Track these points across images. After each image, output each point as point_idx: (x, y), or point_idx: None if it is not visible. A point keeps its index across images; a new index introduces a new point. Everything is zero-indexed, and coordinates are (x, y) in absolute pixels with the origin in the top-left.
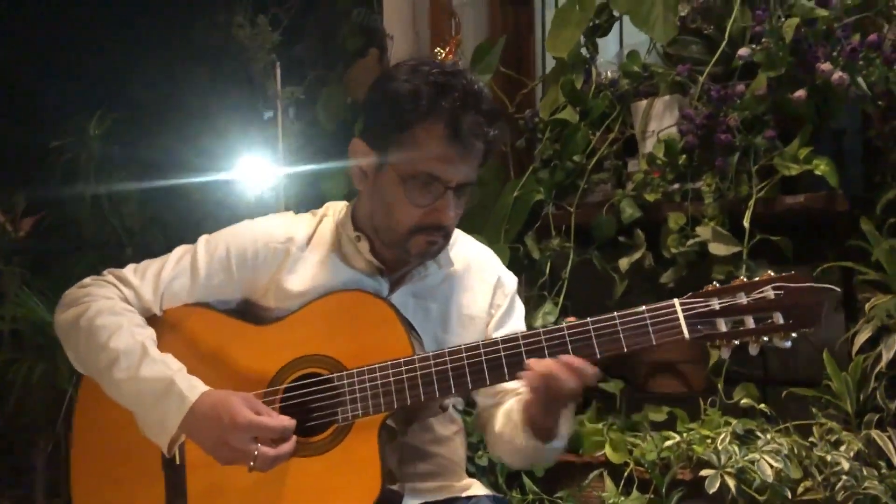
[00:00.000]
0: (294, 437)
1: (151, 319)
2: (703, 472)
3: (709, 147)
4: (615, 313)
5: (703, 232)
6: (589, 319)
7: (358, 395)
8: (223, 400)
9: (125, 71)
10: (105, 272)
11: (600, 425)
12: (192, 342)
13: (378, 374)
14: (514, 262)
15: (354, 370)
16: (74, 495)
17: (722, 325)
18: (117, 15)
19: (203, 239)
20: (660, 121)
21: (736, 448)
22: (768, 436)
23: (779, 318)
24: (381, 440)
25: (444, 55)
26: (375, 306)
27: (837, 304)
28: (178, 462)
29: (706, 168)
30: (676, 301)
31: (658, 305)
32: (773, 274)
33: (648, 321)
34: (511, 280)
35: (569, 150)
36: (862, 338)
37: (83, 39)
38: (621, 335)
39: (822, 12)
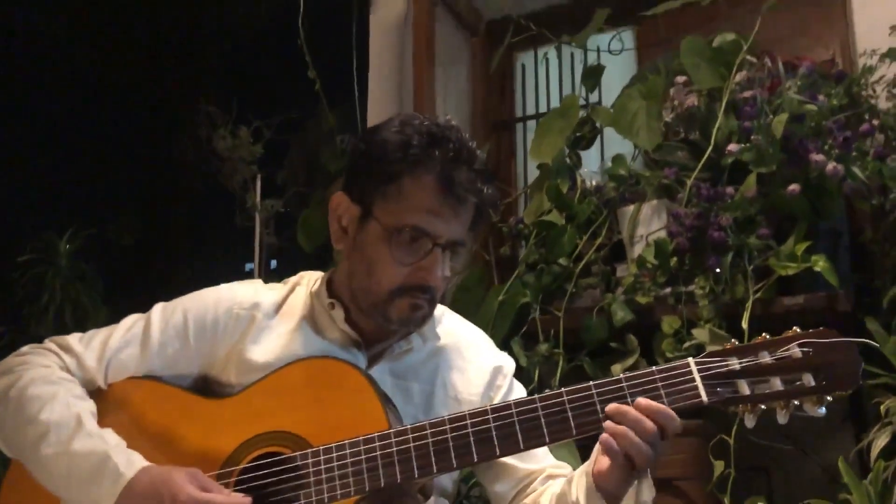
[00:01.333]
0: None
1: (94, 393)
2: None
3: (700, 249)
4: (622, 375)
5: (700, 334)
6: (592, 383)
7: (324, 476)
8: (164, 476)
9: (101, 188)
10: (47, 340)
11: None
12: (137, 418)
13: (348, 451)
14: None
15: (321, 448)
16: None
17: (745, 388)
18: (96, 128)
19: (159, 306)
20: (648, 225)
21: None
22: None
23: (809, 380)
24: None
25: None
26: (346, 375)
27: (845, 415)
28: None
29: (698, 271)
30: (691, 360)
31: (670, 366)
32: (798, 330)
33: (660, 383)
34: (510, 362)
35: (555, 253)
36: (880, 444)
37: (58, 154)
38: (629, 399)
39: (812, 107)
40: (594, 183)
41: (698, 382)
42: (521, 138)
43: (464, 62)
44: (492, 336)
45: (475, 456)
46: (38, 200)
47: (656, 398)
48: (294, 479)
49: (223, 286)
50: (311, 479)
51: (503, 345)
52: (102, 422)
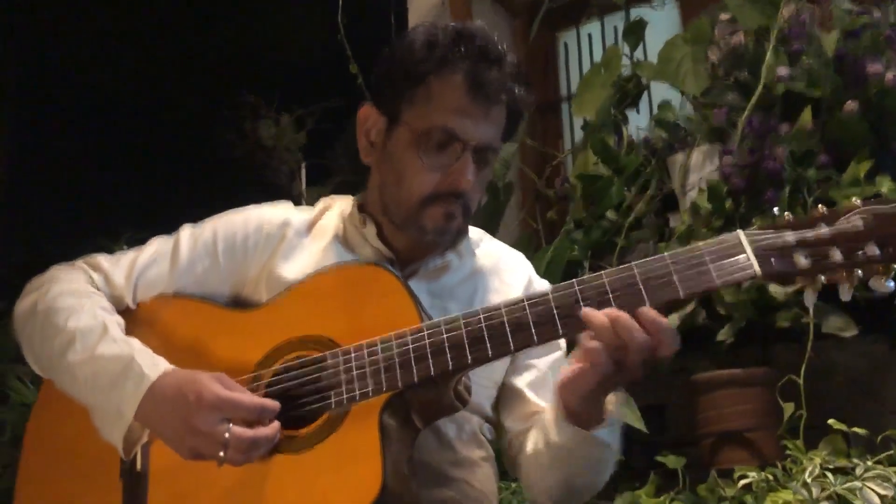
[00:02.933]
0: (277, 423)
1: (123, 313)
2: None
3: (756, 189)
4: (667, 254)
5: None
6: (633, 263)
7: (355, 373)
8: (189, 377)
9: (152, 190)
10: (76, 260)
11: (662, 499)
12: (166, 333)
13: (379, 347)
14: None
15: (351, 346)
16: None
17: (802, 260)
18: (145, 132)
19: (188, 226)
20: (699, 172)
21: (830, 477)
22: (868, 463)
23: (873, 250)
24: (383, 428)
25: None
26: (378, 276)
27: None
28: (138, 468)
29: (755, 212)
30: (740, 232)
31: (717, 240)
32: (859, 202)
33: (707, 258)
34: (545, 284)
35: (602, 206)
36: None
37: (106, 159)
38: (675, 277)
39: (865, 18)
40: (641, 134)
41: (750, 255)
42: (567, 119)
43: (507, 46)
44: None
45: (511, 344)
46: (91, 205)
47: (704, 274)
48: (324, 378)
49: (252, 207)
50: (342, 377)
51: None
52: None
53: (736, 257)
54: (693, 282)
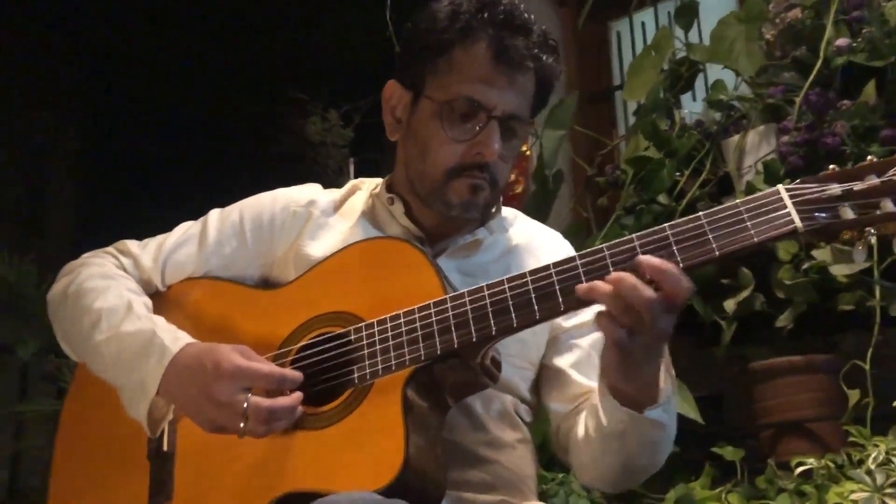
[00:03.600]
0: (298, 394)
1: (153, 296)
2: (855, 497)
3: (815, 168)
4: (701, 213)
5: (822, 255)
6: (666, 225)
7: (378, 347)
8: (209, 347)
9: (206, 190)
10: (109, 247)
11: (717, 491)
12: (195, 314)
13: (402, 320)
14: None
15: (374, 320)
16: (50, 498)
17: (849, 212)
18: (189, 135)
19: (215, 210)
20: (755, 153)
21: None
22: None
23: None
24: (406, 403)
25: None
26: (401, 250)
27: None
28: (165, 448)
29: None
30: (780, 187)
31: (755, 195)
32: None
33: (745, 214)
34: None
35: (653, 190)
36: None
37: (164, 161)
38: (710, 235)
39: None
40: (695, 120)
41: (791, 208)
42: (620, 108)
43: (555, 36)
44: None
45: (537, 312)
46: (151, 205)
47: (742, 231)
48: (347, 353)
49: (280, 189)
50: (366, 351)
51: None
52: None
53: (776, 212)
54: (729, 239)
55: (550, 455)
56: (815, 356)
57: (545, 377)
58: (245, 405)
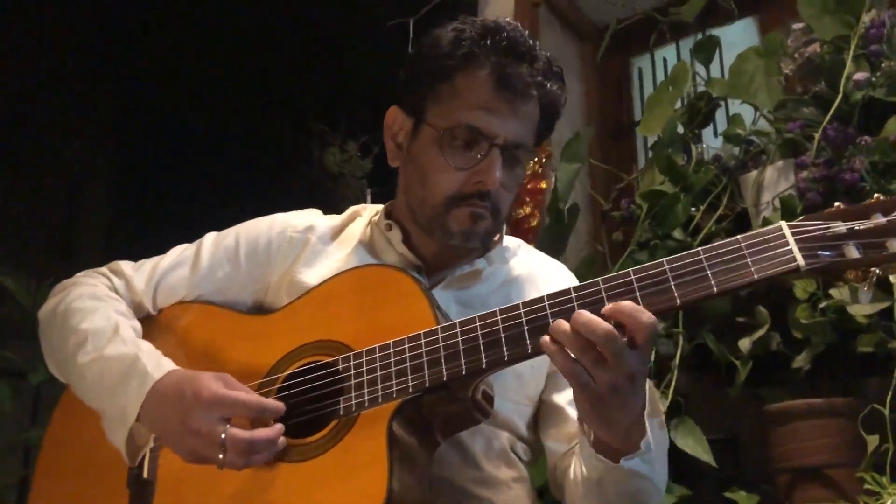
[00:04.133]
0: (279, 426)
1: (144, 319)
2: None
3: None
4: (700, 249)
5: (839, 293)
6: (664, 259)
7: (366, 378)
8: (191, 375)
9: (229, 217)
10: (102, 267)
11: None
12: (184, 339)
13: (392, 350)
14: None
15: (363, 350)
16: None
17: (853, 251)
18: (216, 164)
19: (212, 233)
20: (774, 189)
21: None
22: None
23: None
24: (391, 436)
25: (531, 165)
26: (394, 279)
27: None
28: (145, 476)
29: None
30: (783, 223)
31: (757, 231)
32: None
33: (745, 250)
34: None
35: (668, 225)
36: None
37: (186, 188)
38: (708, 271)
39: None
40: (712, 154)
41: (793, 246)
42: (641, 144)
43: (574, 69)
44: None
45: (529, 346)
46: (176, 231)
47: (742, 267)
48: (334, 383)
49: (278, 213)
50: (353, 381)
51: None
52: (153, 345)
53: (778, 249)
54: (728, 275)
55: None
56: (834, 399)
57: (543, 413)
58: (223, 436)
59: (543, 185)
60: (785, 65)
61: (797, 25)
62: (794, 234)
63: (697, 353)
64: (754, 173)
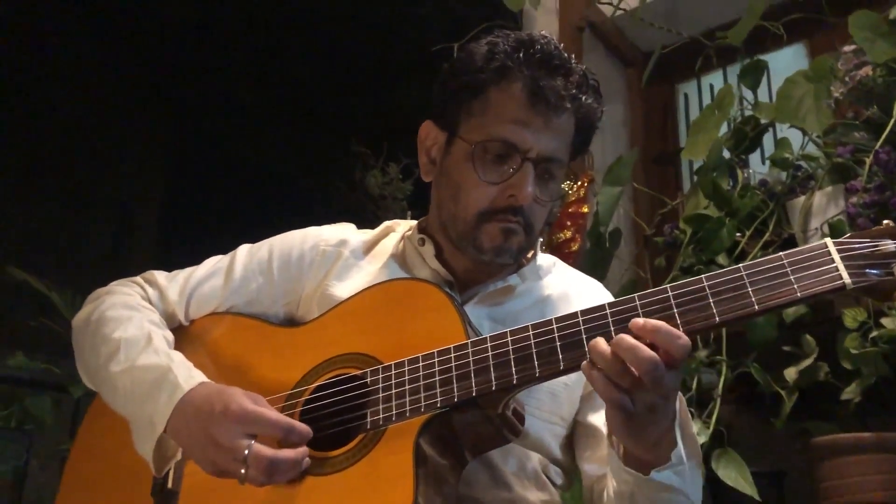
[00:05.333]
0: (304, 448)
1: (176, 330)
2: None
3: None
4: (741, 265)
5: (892, 322)
6: (703, 276)
7: (394, 391)
8: (220, 389)
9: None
10: (137, 276)
11: None
12: (214, 350)
13: (421, 364)
14: None
15: (391, 364)
16: None
17: None
18: (261, 186)
19: (245, 245)
20: (823, 215)
21: None
22: None
23: None
24: (418, 452)
25: (574, 189)
26: (424, 293)
27: None
28: (170, 486)
29: None
30: (828, 240)
31: (802, 248)
32: None
33: (788, 267)
34: None
35: (712, 249)
36: None
37: (234, 213)
38: (749, 289)
39: None
40: (758, 179)
41: (838, 263)
42: (687, 171)
43: (619, 95)
44: None
45: (561, 362)
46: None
47: (785, 284)
48: (362, 396)
49: (312, 227)
50: (381, 395)
51: None
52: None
53: (823, 267)
54: (770, 293)
55: None
56: (885, 434)
57: (578, 435)
58: (246, 452)
59: (585, 210)
60: (835, 88)
61: (848, 48)
62: (839, 251)
63: (741, 382)
64: (802, 198)
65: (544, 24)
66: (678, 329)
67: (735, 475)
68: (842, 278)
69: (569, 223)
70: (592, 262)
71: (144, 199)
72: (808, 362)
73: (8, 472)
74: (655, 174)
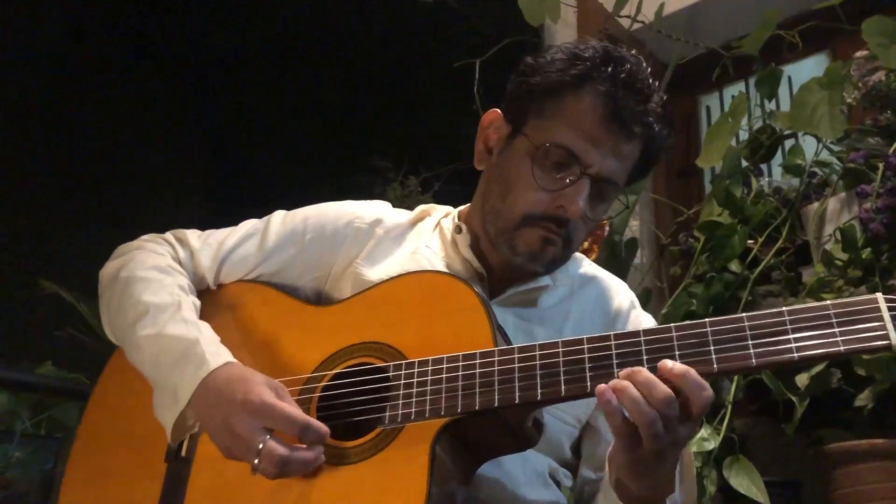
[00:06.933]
0: (320, 449)
1: (203, 293)
2: None
3: None
4: (785, 309)
5: None
6: (745, 315)
7: (415, 390)
8: (245, 375)
9: None
10: (168, 232)
11: None
12: (239, 320)
13: (445, 367)
14: None
15: (416, 361)
16: (63, 490)
17: None
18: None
19: (280, 212)
20: (836, 221)
21: None
22: None
23: None
24: (434, 456)
25: None
26: (457, 291)
27: None
28: (183, 454)
29: None
30: (879, 295)
31: (850, 299)
32: None
33: (834, 319)
34: (650, 319)
35: (724, 256)
36: None
37: None
38: (791, 335)
39: None
40: (773, 187)
41: (888, 321)
42: (708, 182)
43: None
44: None
45: (588, 384)
46: None
47: (828, 336)
48: (381, 391)
49: (349, 201)
50: (402, 391)
51: None
52: (207, 322)
53: (870, 322)
54: (812, 342)
55: None
56: None
57: (585, 435)
58: (261, 446)
59: (604, 221)
60: (848, 94)
61: (860, 53)
62: (890, 308)
63: (753, 389)
64: (816, 205)
65: (564, 37)
66: (712, 366)
67: (747, 483)
68: (889, 338)
69: None
70: (609, 271)
71: (181, 222)
72: (819, 368)
73: (36, 478)
74: (678, 187)
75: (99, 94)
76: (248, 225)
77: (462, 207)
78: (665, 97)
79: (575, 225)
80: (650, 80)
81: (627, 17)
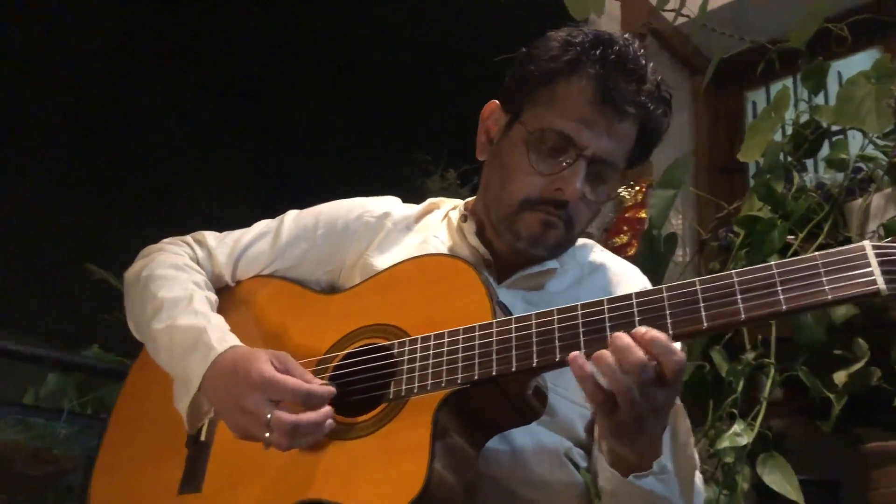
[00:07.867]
0: (327, 409)
1: (222, 290)
2: None
3: None
4: (773, 263)
5: None
6: (734, 271)
7: (418, 364)
8: (247, 354)
9: None
10: (188, 235)
11: None
12: (256, 313)
13: (445, 340)
14: (698, 382)
15: (419, 337)
16: (94, 474)
17: None
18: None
19: (293, 211)
20: (881, 217)
21: None
22: None
23: None
24: (436, 426)
25: (632, 194)
26: (458, 270)
27: None
28: (203, 439)
29: None
30: (866, 242)
31: (838, 249)
32: None
33: (822, 268)
34: None
35: (763, 251)
36: None
37: None
38: (779, 287)
39: None
40: (815, 182)
41: (875, 268)
42: (752, 180)
43: (684, 102)
44: (690, 344)
45: (583, 349)
46: None
47: (816, 286)
48: (386, 367)
49: (358, 197)
50: (405, 367)
51: (702, 354)
52: (225, 317)
53: (857, 270)
54: (799, 293)
55: None
56: None
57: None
58: (269, 416)
59: (643, 215)
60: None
61: None
62: (878, 254)
63: (790, 386)
64: (860, 200)
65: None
66: (702, 323)
67: (781, 480)
68: (876, 284)
69: (625, 228)
70: (645, 266)
71: (224, 211)
72: (858, 366)
73: (82, 455)
74: (722, 183)
75: (148, 93)
76: (263, 224)
77: (469, 199)
78: (661, 77)
79: (575, 207)
80: (643, 61)
81: (672, 10)
